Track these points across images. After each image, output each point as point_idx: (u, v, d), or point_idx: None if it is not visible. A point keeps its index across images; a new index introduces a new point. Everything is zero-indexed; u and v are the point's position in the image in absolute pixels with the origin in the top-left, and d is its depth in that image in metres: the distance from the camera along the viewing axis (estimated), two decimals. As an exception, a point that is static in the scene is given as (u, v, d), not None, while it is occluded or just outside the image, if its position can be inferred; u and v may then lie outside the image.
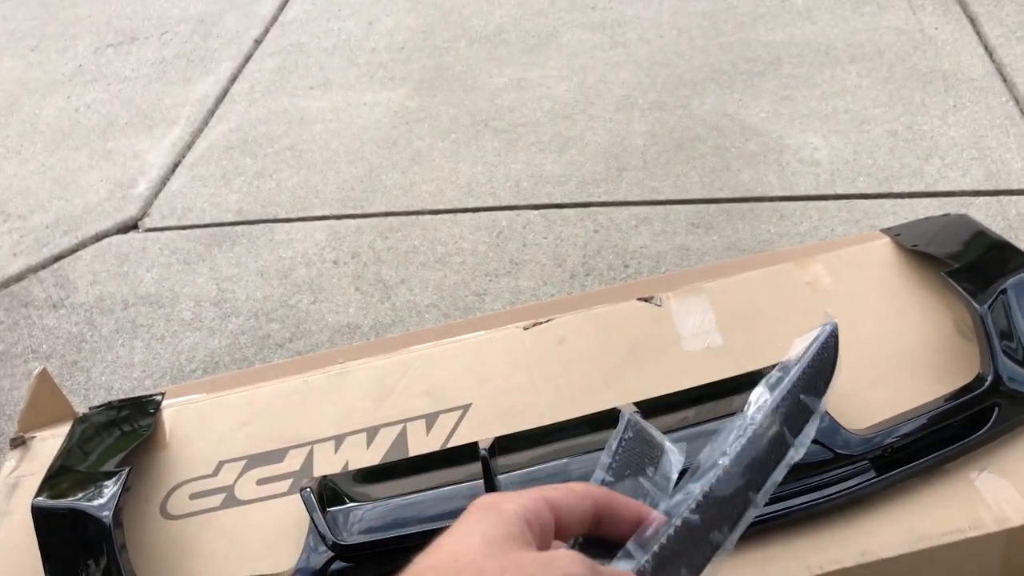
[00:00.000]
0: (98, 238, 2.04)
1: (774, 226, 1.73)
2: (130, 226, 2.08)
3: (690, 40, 2.43)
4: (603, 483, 0.47)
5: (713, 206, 1.81)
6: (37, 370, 1.04)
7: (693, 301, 1.10)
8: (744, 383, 0.94)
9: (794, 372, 0.52)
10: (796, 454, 0.49)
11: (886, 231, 1.10)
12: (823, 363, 0.53)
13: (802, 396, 0.51)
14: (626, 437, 0.49)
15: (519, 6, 2.75)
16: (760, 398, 0.51)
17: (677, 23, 2.52)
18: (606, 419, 0.90)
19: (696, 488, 0.45)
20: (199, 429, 1.05)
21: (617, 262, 1.71)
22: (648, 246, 1.73)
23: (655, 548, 0.42)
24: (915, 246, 1.04)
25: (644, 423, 0.50)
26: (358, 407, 1.04)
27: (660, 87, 2.25)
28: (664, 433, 0.88)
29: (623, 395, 0.96)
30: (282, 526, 0.92)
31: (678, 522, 0.43)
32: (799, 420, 0.50)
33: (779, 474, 0.48)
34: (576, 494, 0.43)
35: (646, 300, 1.10)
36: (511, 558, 0.37)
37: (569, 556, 0.38)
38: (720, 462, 0.46)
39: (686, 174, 1.92)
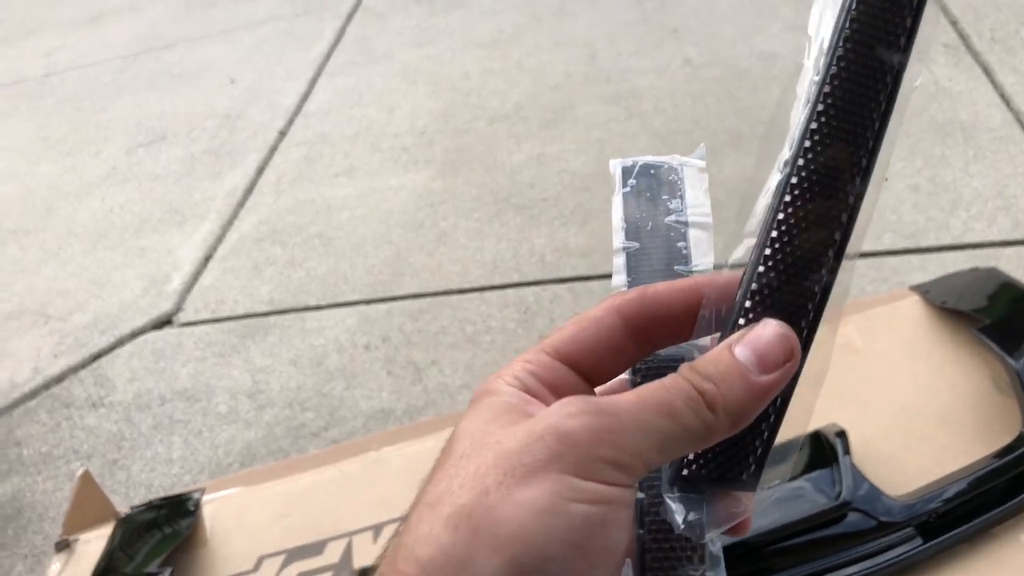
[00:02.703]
0: (135, 335, 2.09)
1: (802, 287, 1.72)
2: (165, 321, 2.12)
3: (705, 107, 2.46)
4: (628, 256, 0.37)
5: (737, 271, 1.81)
6: (79, 472, 1.06)
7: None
8: (778, 454, 0.93)
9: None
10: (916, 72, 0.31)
11: (915, 288, 1.09)
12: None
13: None
14: (629, 187, 0.38)
15: (535, 83, 2.81)
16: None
17: (691, 91, 2.56)
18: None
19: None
20: (238, 524, 1.06)
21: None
22: (675, 314, 1.73)
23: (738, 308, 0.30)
24: (945, 303, 1.04)
25: (648, 159, 0.39)
26: (395, 494, 1.04)
27: (678, 155, 2.28)
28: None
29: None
30: (324, 621, 0.92)
31: (754, 262, 0.31)
32: (897, 24, 0.31)
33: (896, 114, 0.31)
34: (589, 320, 0.34)
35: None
36: (492, 441, 0.29)
37: (558, 408, 0.30)
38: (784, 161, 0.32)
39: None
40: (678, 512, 0.31)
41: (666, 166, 0.39)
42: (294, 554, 1.00)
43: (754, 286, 0.31)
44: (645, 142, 2.37)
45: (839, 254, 0.32)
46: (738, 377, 0.30)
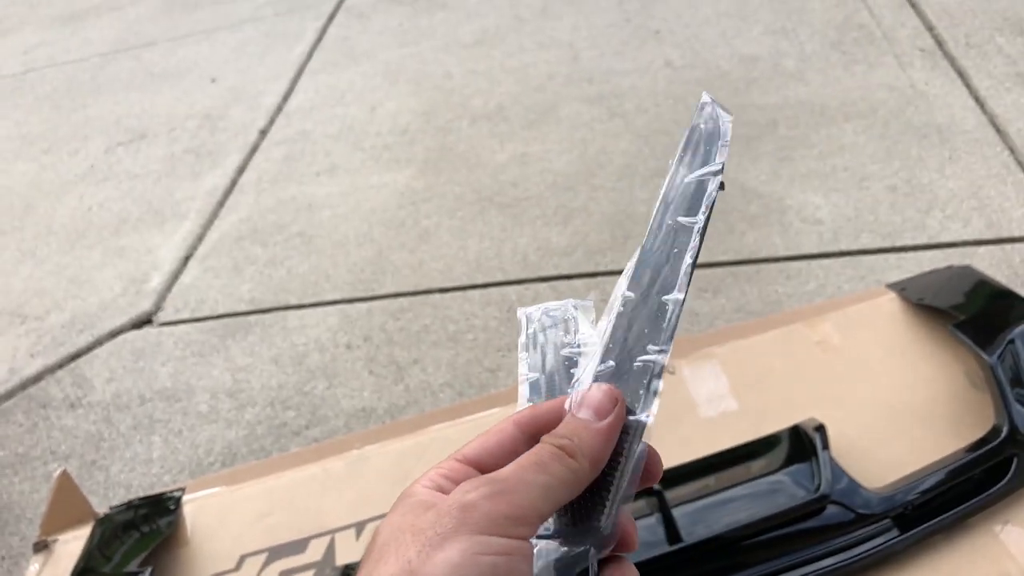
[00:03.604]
0: (113, 335, 2.07)
1: (781, 286, 1.74)
2: (145, 321, 2.11)
3: (686, 108, 2.48)
4: (531, 385, 0.44)
5: (720, 269, 1.83)
6: (57, 472, 1.05)
7: (706, 367, 1.11)
8: (759, 449, 0.95)
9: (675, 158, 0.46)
10: (700, 220, 0.43)
11: (892, 286, 1.11)
12: (706, 132, 0.47)
13: (689, 177, 0.45)
14: (529, 332, 0.46)
15: (518, 83, 2.81)
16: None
17: (672, 92, 2.57)
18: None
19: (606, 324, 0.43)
20: (220, 523, 1.05)
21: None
22: (657, 313, 1.74)
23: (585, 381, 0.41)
24: (921, 300, 1.05)
25: (548, 306, 0.47)
26: (377, 492, 1.04)
27: (660, 155, 2.29)
28: (677, 505, 0.88)
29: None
30: (306, 618, 0.92)
31: (595, 362, 0.41)
32: (695, 198, 0.44)
33: (688, 260, 0.43)
34: (494, 433, 0.41)
35: (659, 368, 1.11)
36: (408, 526, 0.36)
37: (458, 489, 0.36)
38: (621, 293, 0.43)
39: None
40: (546, 558, 0.39)
41: (563, 309, 0.47)
42: (276, 552, 1.00)
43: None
44: (627, 142, 2.38)
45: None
46: (584, 428, 0.38)
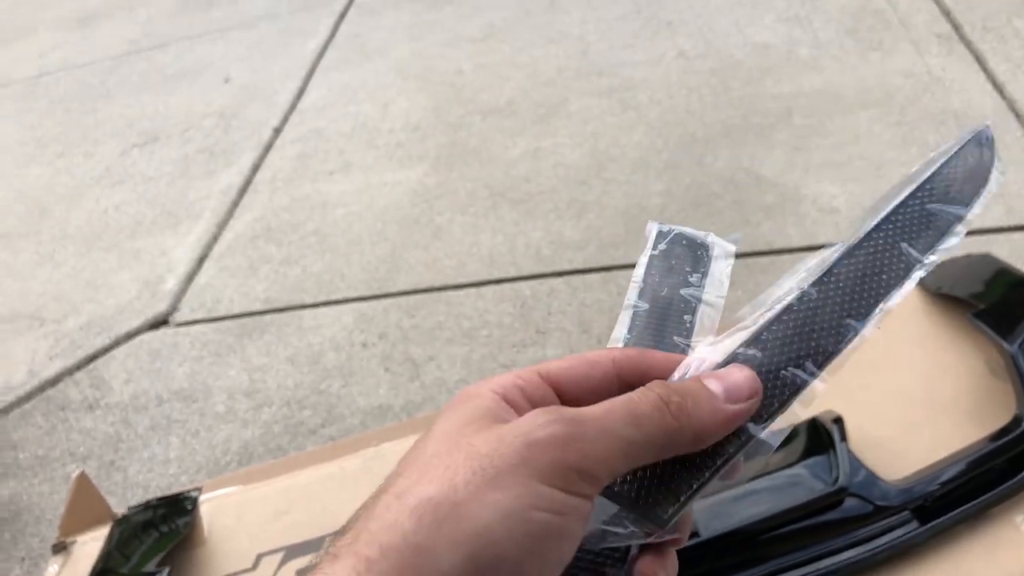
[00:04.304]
0: (130, 336, 2.08)
1: (797, 277, 1.73)
2: (161, 322, 2.12)
3: (700, 98, 2.46)
4: (635, 315, 0.39)
5: (735, 261, 1.81)
6: (75, 473, 1.06)
7: (722, 358, 1.10)
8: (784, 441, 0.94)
9: (919, 179, 0.40)
10: (921, 271, 0.37)
11: (909, 275, 1.09)
12: (965, 168, 0.40)
13: (930, 205, 0.39)
14: (654, 252, 0.40)
15: (528, 78, 2.80)
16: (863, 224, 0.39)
17: (686, 83, 2.56)
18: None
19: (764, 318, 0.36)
20: (237, 523, 1.05)
21: (642, 324, 1.71)
22: (672, 306, 1.73)
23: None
24: (940, 289, 1.04)
25: (685, 229, 0.41)
26: (393, 490, 1.04)
27: (673, 146, 2.28)
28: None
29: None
30: (323, 617, 0.92)
31: (739, 341, 0.35)
32: (927, 230, 0.38)
33: (895, 298, 0.37)
34: (586, 360, 0.36)
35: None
36: (465, 443, 0.31)
37: (531, 417, 0.31)
38: (803, 286, 0.37)
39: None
40: (595, 517, 0.33)
41: (699, 240, 0.42)
42: (293, 551, 1.00)
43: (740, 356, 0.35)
44: (640, 134, 2.37)
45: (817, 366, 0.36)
46: (706, 399, 0.33)
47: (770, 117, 2.29)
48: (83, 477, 1.08)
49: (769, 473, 0.91)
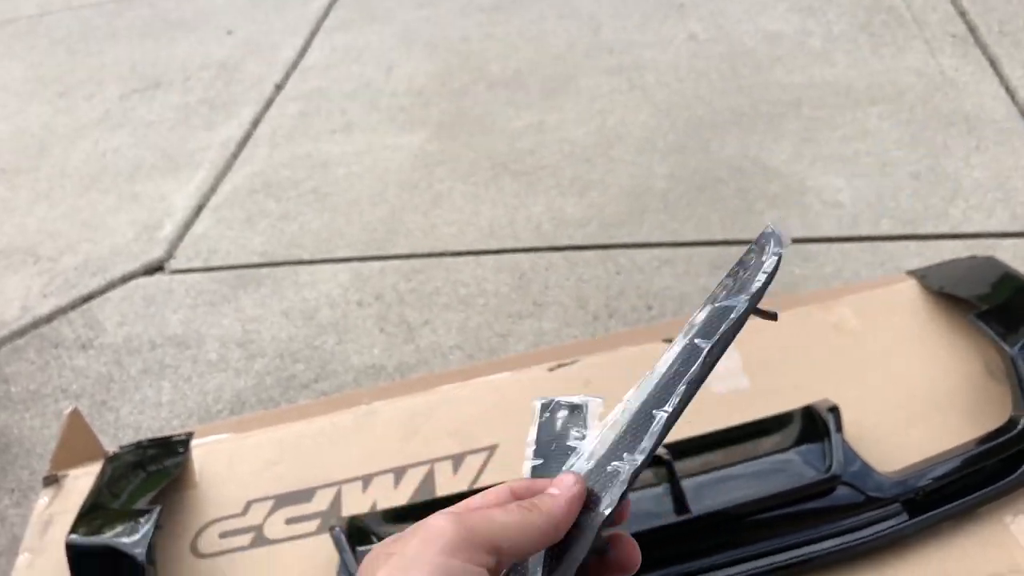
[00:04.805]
0: (125, 279, 2.07)
1: (798, 268, 1.73)
2: (156, 268, 2.11)
3: (709, 83, 2.46)
4: (530, 472, 0.47)
5: (736, 247, 1.82)
6: (68, 410, 1.06)
7: (719, 343, 1.11)
8: (770, 426, 0.94)
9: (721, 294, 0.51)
10: (707, 346, 0.47)
11: (912, 273, 1.10)
12: (756, 264, 0.51)
13: (717, 303, 0.49)
14: (543, 418, 0.49)
15: (536, 51, 2.79)
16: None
17: (695, 67, 2.55)
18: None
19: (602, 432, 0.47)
20: (228, 469, 1.06)
21: (640, 304, 1.71)
22: (671, 287, 1.74)
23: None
24: (942, 288, 1.04)
25: (562, 398, 0.50)
26: (385, 447, 1.04)
27: (680, 130, 2.27)
28: (687, 477, 0.88)
29: (651, 437, 0.96)
30: (311, 565, 0.93)
31: (583, 459, 0.45)
32: (717, 322, 0.48)
33: (688, 379, 0.46)
34: (489, 491, 0.44)
35: (669, 341, 1.11)
36: (383, 553, 0.39)
37: (430, 517, 0.40)
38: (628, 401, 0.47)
39: (708, 216, 1.93)
40: None
41: (576, 404, 0.50)
42: (283, 500, 1.01)
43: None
44: (648, 115, 2.36)
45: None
46: (547, 495, 0.43)
47: (779, 107, 2.29)
48: (76, 413, 1.08)
49: (762, 457, 0.92)
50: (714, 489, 0.88)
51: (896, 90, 2.26)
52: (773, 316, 0.50)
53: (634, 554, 0.45)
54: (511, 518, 0.41)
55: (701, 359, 0.46)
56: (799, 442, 0.92)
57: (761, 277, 0.50)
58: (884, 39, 2.49)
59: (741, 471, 0.90)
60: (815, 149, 2.10)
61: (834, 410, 0.91)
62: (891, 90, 2.26)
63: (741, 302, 0.48)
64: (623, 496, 0.44)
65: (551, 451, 0.47)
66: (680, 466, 0.89)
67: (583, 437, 0.47)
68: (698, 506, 0.85)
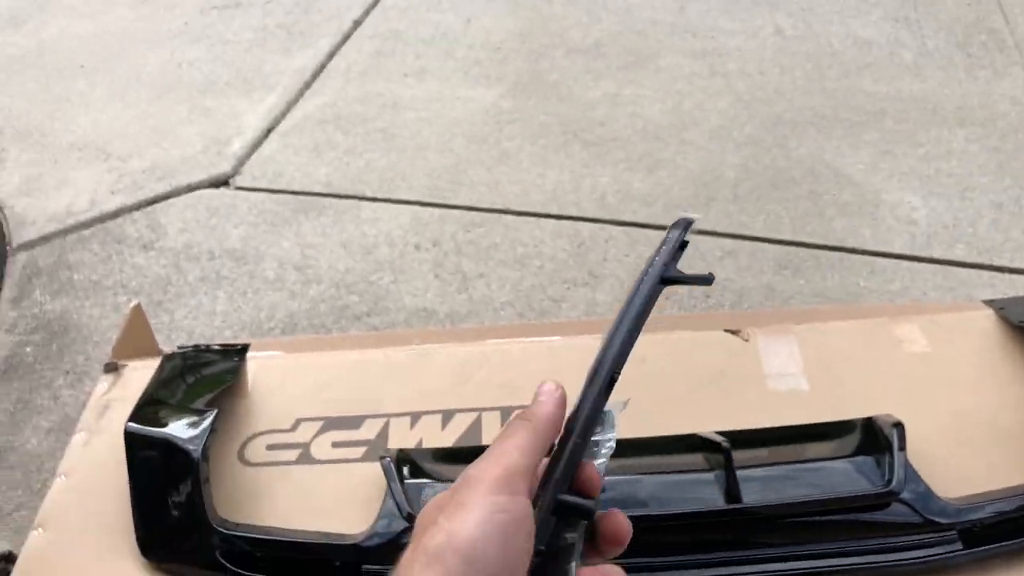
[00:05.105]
0: (190, 189, 2.09)
1: (864, 280, 1.71)
2: (222, 182, 2.13)
3: (792, 80, 2.41)
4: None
5: (802, 250, 1.79)
6: (132, 304, 1.07)
7: (781, 341, 1.09)
8: (830, 432, 0.93)
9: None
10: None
11: (989, 303, 1.07)
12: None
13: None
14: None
15: (619, 23, 2.75)
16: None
17: (780, 61, 2.50)
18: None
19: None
20: (280, 385, 1.06)
21: (698, 291, 1.70)
22: (732, 280, 1.72)
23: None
24: (1022, 322, 1.02)
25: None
26: (436, 388, 1.04)
27: (758, 122, 2.24)
28: (742, 468, 0.87)
29: (702, 419, 0.95)
30: (353, 490, 0.93)
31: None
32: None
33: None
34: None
35: (733, 332, 1.09)
36: (435, 506, 0.46)
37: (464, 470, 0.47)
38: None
39: (777, 213, 1.91)
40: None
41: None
42: (331, 423, 1.01)
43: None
44: (726, 103, 2.33)
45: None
46: (535, 403, 0.50)
47: (861, 115, 2.24)
48: (139, 309, 1.09)
49: (819, 460, 0.91)
50: (768, 484, 0.87)
51: (988, 115, 2.20)
52: (708, 280, 0.57)
53: (624, 526, 0.49)
54: (520, 437, 0.47)
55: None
56: (858, 452, 0.90)
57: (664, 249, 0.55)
58: (981, 61, 2.42)
59: (796, 471, 0.89)
60: (894, 163, 2.06)
61: (899, 426, 0.89)
62: (982, 114, 2.20)
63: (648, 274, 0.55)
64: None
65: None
66: (737, 455, 0.89)
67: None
68: (750, 497, 0.85)
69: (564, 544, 0.47)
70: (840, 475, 0.89)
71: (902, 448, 0.87)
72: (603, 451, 0.51)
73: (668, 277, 0.56)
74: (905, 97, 2.30)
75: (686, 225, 0.57)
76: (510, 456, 0.46)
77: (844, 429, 0.93)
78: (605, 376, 0.52)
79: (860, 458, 0.90)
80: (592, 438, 0.51)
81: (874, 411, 0.92)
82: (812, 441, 0.93)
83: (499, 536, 0.42)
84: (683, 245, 0.56)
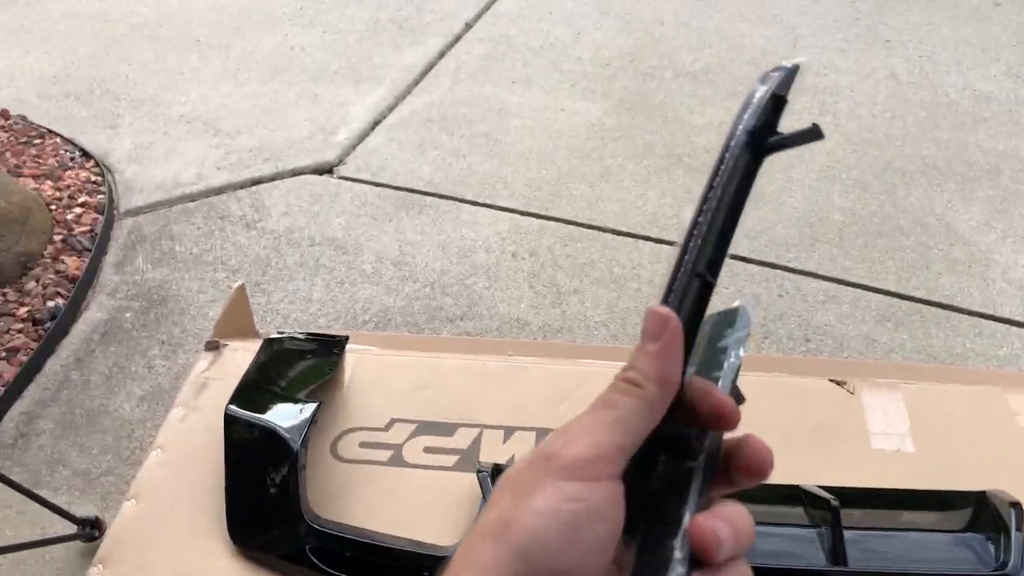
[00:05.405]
0: (295, 173, 2.13)
1: (970, 342, 1.64)
2: (326, 170, 2.16)
3: (904, 127, 2.34)
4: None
5: (907, 303, 1.73)
6: (237, 284, 1.09)
7: (887, 397, 1.05)
8: (940, 501, 0.89)
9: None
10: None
11: (1123, 382, 1.02)
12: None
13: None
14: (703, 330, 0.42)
15: (730, 50, 2.71)
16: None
17: (893, 107, 2.43)
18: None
19: None
20: (376, 382, 1.07)
21: (798, 333, 1.66)
22: (833, 326, 1.67)
23: None
24: None
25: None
26: (532, 404, 1.04)
27: (866, 166, 2.18)
28: (847, 528, 0.84)
29: (803, 470, 0.92)
30: (442, 498, 0.93)
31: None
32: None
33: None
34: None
35: (838, 383, 1.06)
36: (507, 481, 0.38)
37: (544, 441, 0.38)
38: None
39: (882, 262, 1.85)
40: None
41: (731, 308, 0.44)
42: (425, 427, 1.01)
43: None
44: (834, 143, 2.28)
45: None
46: (639, 355, 0.38)
47: (976, 170, 2.17)
48: (242, 289, 1.11)
49: (928, 531, 0.87)
50: (874, 548, 0.85)
51: (1111, 184, 2.11)
52: (817, 134, 0.38)
53: (766, 455, 0.38)
54: (623, 410, 0.37)
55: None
56: (970, 528, 0.87)
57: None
58: (1108, 128, 2.32)
59: (904, 539, 0.86)
60: (1008, 223, 1.98)
61: (1016, 506, 0.85)
62: (1105, 183, 2.11)
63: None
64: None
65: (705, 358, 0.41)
66: (845, 514, 0.86)
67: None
68: (857, 561, 0.82)
69: (678, 475, 0.37)
70: (950, 549, 0.86)
71: (1020, 529, 0.83)
72: (730, 360, 0.39)
73: (764, 142, 0.39)
74: (1023, 156, 2.22)
75: (787, 73, 0.41)
76: (600, 432, 0.36)
77: (956, 500, 0.89)
78: (692, 280, 0.41)
79: (971, 534, 0.86)
80: (718, 344, 0.40)
81: (986, 484, 0.88)
82: (920, 509, 0.90)
83: (564, 529, 0.35)
84: (779, 102, 0.40)
